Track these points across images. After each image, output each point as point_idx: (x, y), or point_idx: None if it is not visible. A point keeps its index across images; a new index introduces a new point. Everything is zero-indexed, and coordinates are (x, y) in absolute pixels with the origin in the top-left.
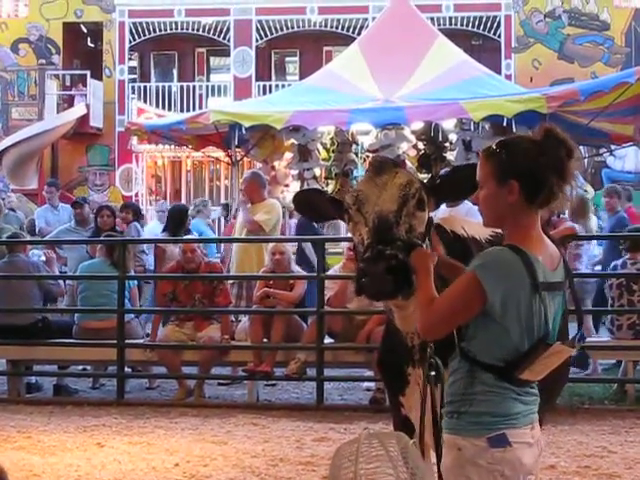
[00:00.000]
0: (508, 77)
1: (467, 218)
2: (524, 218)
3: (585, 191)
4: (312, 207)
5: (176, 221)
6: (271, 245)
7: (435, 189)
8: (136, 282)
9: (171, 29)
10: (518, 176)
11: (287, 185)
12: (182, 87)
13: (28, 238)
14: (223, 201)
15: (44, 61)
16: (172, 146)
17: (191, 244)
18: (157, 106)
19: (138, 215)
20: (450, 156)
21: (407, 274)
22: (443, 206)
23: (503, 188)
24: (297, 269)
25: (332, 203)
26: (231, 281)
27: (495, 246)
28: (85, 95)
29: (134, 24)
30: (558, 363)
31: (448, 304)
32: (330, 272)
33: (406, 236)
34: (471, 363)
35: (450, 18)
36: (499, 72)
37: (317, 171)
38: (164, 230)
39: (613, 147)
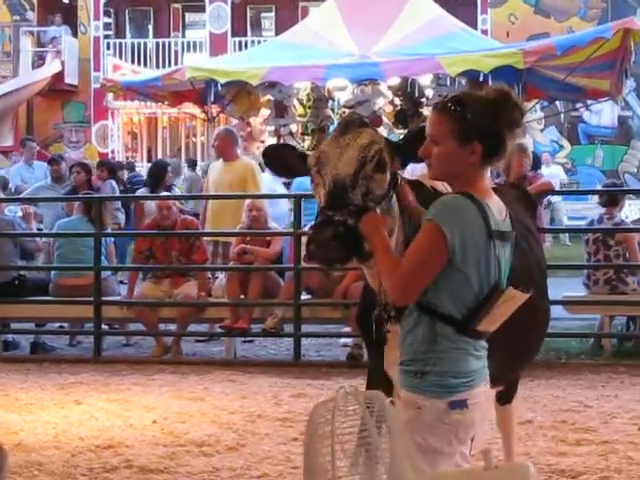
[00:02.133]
0: (484, 32)
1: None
2: (477, 174)
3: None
4: (282, 162)
5: (154, 177)
6: (247, 201)
7: (400, 148)
8: (112, 239)
9: None
10: (481, 138)
11: (263, 141)
12: (157, 43)
13: (1, 196)
14: (199, 157)
15: (18, 17)
16: (148, 103)
17: (167, 201)
18: (132, 62)
19: (114, 173)
20: (427, 112)
21: (356, 239)
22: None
23: (465, 148)
24: (274, 226)
25: (302, 160)
26: (207, 238)
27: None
28: (60, 52)
29: None
30: (512, 311)
31: (415, 262)
32: (307, 228)
33: (362, 199)
34: (431, 316)
35: None
36: (475, 27)
37: (293, 127)
38: (144, 186)
39: (589, 102)
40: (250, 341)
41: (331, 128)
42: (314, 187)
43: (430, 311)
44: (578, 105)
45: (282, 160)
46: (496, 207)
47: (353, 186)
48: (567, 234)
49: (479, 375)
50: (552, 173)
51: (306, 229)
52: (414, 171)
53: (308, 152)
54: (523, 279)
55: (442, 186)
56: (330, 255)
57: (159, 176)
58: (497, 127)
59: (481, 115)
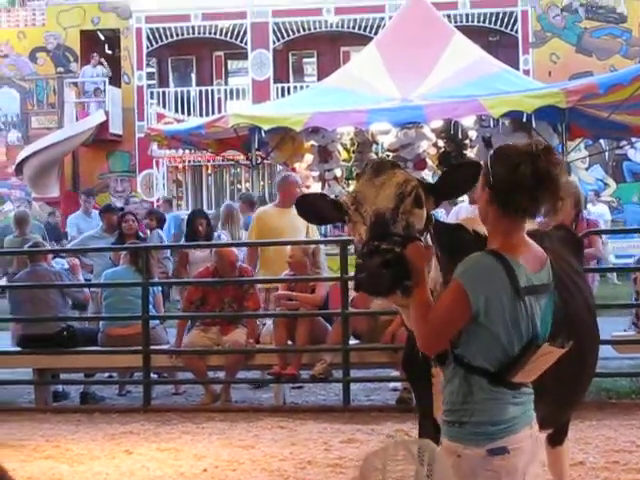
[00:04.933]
0: (526, 72)
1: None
2: (503, 224)
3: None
4: (314, 211)
5: (190, 227)
6: (288, 249)
7: (433, 187)
8: (160, 288)
9: (188, 33)
10: (492, 184)
11: (308, 187)
12: (200, 91)
13: (48, 247)
14: None
15: (62, 69)
16: (192, 151)
17: (227, 250)
18: (176, 111)
19: (161, 222)
20: (470, 153)
21: (404, 267)
22: (467, 205)
23: (483, 193)
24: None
25: (334, 206)
26: (260, 285)
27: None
28: (104, 102)
29: (151, 30)
30: (550, 364)
31: (440, 317)
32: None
33: (403, 232)
34: (466, 369)
35: (467, 15)
36: (517, 67)
37: (338, 172)
38: (185, 237)
39: (634, 139)
40: (299, 387)
41: None
42: (352, 226)
43: (464, 364)
44: (622, 143)
45: (315, 208)
46: (531, 260)
47: (394, 220)
48: (615, 273)
49: (520, 420)
50: (598, 212)
51: (353, 274)
52: (459, 214)
53: (339, 198)
54: (571, 324)
55: (484, 231)
56: (379, 283)
57: (193, 225)
58: (512, 176)
59: (498, 164)
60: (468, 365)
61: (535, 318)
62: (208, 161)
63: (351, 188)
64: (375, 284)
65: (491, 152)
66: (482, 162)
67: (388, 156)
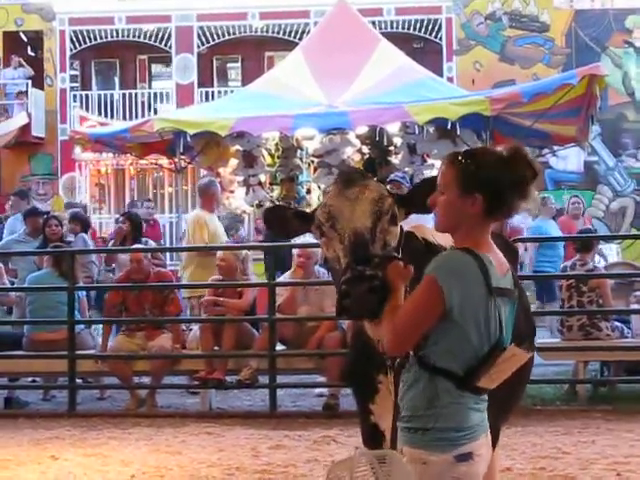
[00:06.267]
0: (450, 80)
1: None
2: (477, 227)
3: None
4: (282, 223)
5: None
6: (219, 253)
7: (405, 200)
8: (85, 293)
9: (112, 36)
10: (483, 190)
11: (232, 191)
12: (124, 95)
13: None
14: (167, 208)
15: None
16: (115, 154)
17: (138, 254)
18: (99, 114)
19: (86, 226)
20: (395, 160)
21: (387, 290)
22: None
23: (466, 199)
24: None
25: (298, 218)
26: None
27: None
28: (26, 104)
29: (75, 32)
30: (513, 369)
31: (412, 313)
32: (280, 279)
33: (381, 252)
34: (431, 372)
35: (391, 21)
36: (441, 75)
37: (262, 177)
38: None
39: (556, 148)
40: (225, 392)
41: (300, 177)
42: (325, 242)
43: (430, 366)
44: (545, 151)
45: (282, 220)
46: (497, 263)
47: (373, 239)
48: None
49: (479, 427)
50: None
51: (280, 280)
52: (419, 219)
53: (304, 209)
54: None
55: (433, 238)
56: (366, 309)
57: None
58: (501, 182)
59: (486, 168)
60: (433, 367)
61: (502, 320)
62: (131, 165)
63: (275, 193)
64: (362, 310)
65: (460, 158)
66: (451, 168)
67: (313, 161)
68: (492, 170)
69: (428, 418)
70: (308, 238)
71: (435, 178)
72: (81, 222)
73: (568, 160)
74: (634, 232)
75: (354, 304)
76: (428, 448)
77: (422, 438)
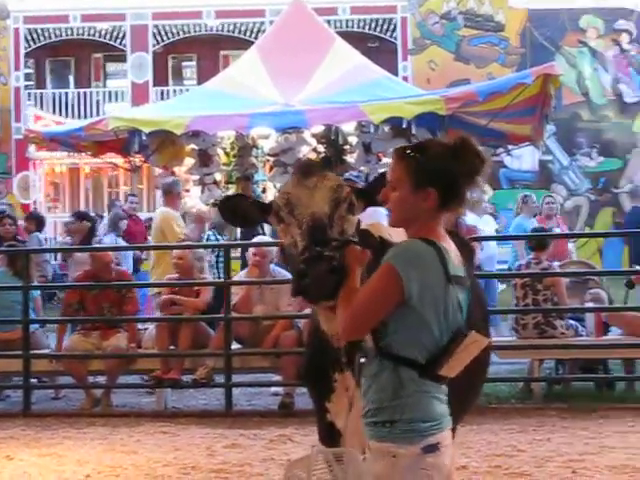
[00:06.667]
0: (405, 79)
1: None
2: (432, 220)
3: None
4: (237, 213)
5: None
6: (174, 252)
7: (362, 194)
8: (39, 292)
9: (67, 35)
10: (436, 184)
11: (188, 190)
12: (79, 93)
13: None
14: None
15: None
16: (70, 153)
17: (106, 253)
18: (54, 112)
19: (41, 226)
20: (350, 159)
21: (345, 272)
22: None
23: (419, 194)
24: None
25: (257, 207)
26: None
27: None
28: None
29: (29, 30)
30: (472, 356)
31: (367, 300)
32: (235, 278)
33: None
34: (394, 361)
35: (346, 21)
36: (396, 74)
37: (218, 176)
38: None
39: (510, 147)
40: (181, 391)
41: (256, 176)
42: (283, 228)
43: (392, 356)
44: (499, 150)
45: (238, 209)
46: (453, 252)
47: (331, 225)
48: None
49: (445, 418)
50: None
51: (235, 278)
52: (373, 216)
53: (261, 199)
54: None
55: (388, 235)
56: (325, 289)
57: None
58: (453, 174)
59: (436, 161)
60: (397, 356)
61: (462, 307)
62: (86, 164)
63: (230, 192)
64: (321, 289)
65: (407, 149)
66: (400, 163)
67: (268, 160)
68: (443, 163)
69: (394, 409)
70: (264, 237)
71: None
72: (36, 221)
73: (523, 159)
74: (588, 231)
75: (312, 284)
76: (396, 441)
77: (390, 431)
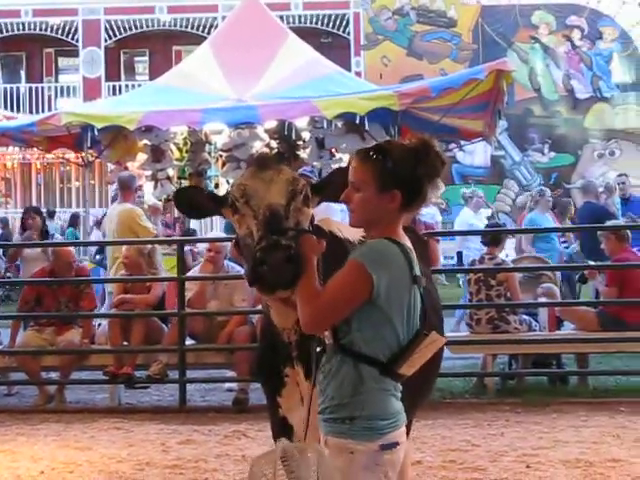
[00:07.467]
0: (358, 74)
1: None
2: (395, 220)
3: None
4: (193, 204)
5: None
6: (123, 250)
7: (317, 188)
8: None
9: (18, 29)
10: (401, 186)
11: (141, 186)
12: (30, 88)
13: None
14: (74, 202)
15: None
16: (21, 148)
17: (69, 249)
18: (5, 108)
19: None
20: (304, 154)
21: (301, 263)
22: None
23: (384, 195)
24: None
25: (211, 200)
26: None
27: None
28: None
29: None
30: (430, 354)
31: (334, 294)
32: (189, 273)
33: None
34: (355, 358)
35: (299, 16)
36: (349, 69)
37: (170, 171)
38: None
39: (463, 142)
40: (144, 387)
41: (208, 172)
42: (239, 219)
43: (353, 353)
44: (452, 146)
45: (192, 201)
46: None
47: (287, 216)
48: (443, 274)
49: (401, 415)
50: (429, 214)
51: (190, 274)
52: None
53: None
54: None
55: (338, 231)
56: (282, 277)
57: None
58: (416, 176)
59: (401, 164)
60: (358, 354)
61: (419, 307)
62: (38, 159)
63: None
64: (279, 278)
65: (369, 150)
66: (364, 166)
67: (221, 156)
68: (408, 166)
69: (354, 406)
70: (217, 232)
71: (347, 169)
72: None
73: (475, 155)
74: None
75: (270, 272)
76: (355, 437)
77: (350, 428)
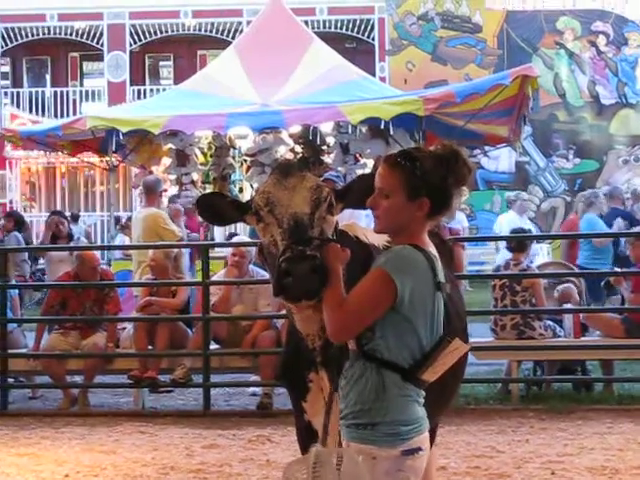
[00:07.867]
0: (382, 79)
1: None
2: (421, 227)
3: None
4: (215, 211)
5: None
6: (150, 253)
7: (341, 195)
8: (17, 291)
9: (43, 34)
10: (430, 194)
11: (165, 190)
12: (55, 92)
13: None
14: (98, 206)
15: None
16: (46, 152)
17: (94, 253)
18: (30, 112)
19: (20, 224)
20: (328, 159)
21: (327, 273)
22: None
23: (413, 203)
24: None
25: (234, 206)
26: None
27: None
28: None
29: (5, 29)
30: (453, 361)
31: (359, 302)
32: (214, 278)
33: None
34: (378, 364)
35: (324, 21)
36: (373, 75)
37: (195, 176)
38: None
39: (487, 148)
40: (158, 392)
41: (233, 176)
42: (263, 227)
43: (376, 359)
44: (476, 151)
45: (215, 208)
46: (438, 257)
47: (311, 225)
48: (467, 280)
49: (424, 421)
50: (457, 219)
51: (214, 278)
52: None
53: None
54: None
55: (364, 236)
56: (308, 288)
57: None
58: (445, 184)
59: (431, 172)
60: (382, 360)
61: (442, 314)
62: (62, 163)
63: (205, 190)
64: (303, 290)
65: (401, 161)
66: (394, 173)
67: (245, 160)
68: (438, 175)
69: (377, 412)
70: (243, 237)
71: (371, 175)
72: (15, 220)
73: (499, 160)
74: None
75: (295, 283)
76: (377, 443)
77: (372, 433)
